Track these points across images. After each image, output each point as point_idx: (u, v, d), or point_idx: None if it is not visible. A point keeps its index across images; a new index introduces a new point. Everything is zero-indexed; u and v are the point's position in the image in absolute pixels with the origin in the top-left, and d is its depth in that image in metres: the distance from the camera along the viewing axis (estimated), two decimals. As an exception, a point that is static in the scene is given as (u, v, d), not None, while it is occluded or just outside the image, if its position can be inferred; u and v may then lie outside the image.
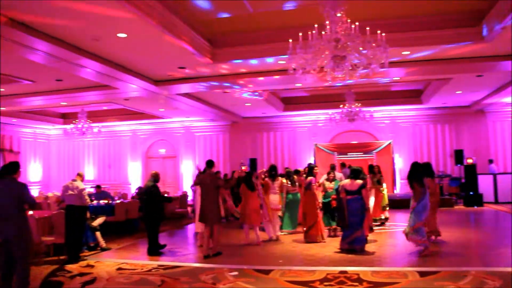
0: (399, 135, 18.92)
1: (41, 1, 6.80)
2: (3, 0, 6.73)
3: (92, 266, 7.99)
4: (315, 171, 10.63)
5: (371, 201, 11.92)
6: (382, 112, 18.47)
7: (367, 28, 6.93)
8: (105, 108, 18.23)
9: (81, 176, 9.14)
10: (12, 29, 7.56)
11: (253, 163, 18.98)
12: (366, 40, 6.96)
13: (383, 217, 12.13)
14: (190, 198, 17.30)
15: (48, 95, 13.70)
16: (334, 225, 10.37)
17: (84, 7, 7.12)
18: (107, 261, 8.37)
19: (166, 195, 12.45)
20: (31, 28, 7.91)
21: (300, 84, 13.58)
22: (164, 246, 9.36)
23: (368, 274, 6.81)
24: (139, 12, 7.25)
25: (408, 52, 10.15)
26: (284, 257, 8.44)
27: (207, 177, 9.03)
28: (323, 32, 6.97)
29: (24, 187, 6.33)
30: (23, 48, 8.62)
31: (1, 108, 15.89)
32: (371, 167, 12.47)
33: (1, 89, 12.61)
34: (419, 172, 8.84)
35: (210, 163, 9.13)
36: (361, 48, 6.98)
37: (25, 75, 11.43)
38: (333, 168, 12.16)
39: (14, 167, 6.41)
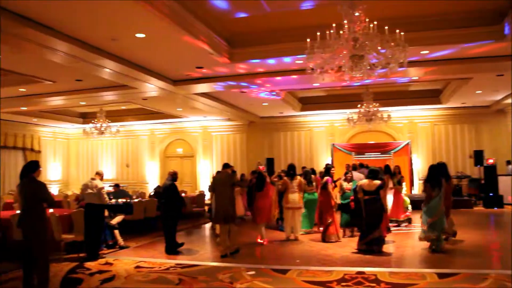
0: (417, 136, 18.74)
1: (61, 1, 6.88)
2: (23, 1, 6.83)
3: (111, 264, 8.09)
4: (332, 171, 10.60)
5: (389, 202, 11.84)
6: (400, 112, 18.29)
7: (386, 27, 6.87)
8: (123, 107, 18.39)
9: (100, 175, 9.24)
10: (33, 30, 7.67)
11: (270, 163, 18.97)
12: (385, 39, 6.91)
13: (403, 217, 11.98)
14: (207, 197, 17.42)
15: (68, 95, 13.87)
16: (351, 226, 10.34)
17: (103, 8, 7.19)
18: (126, 259, 8.46)
19: (183, 194, 12.53)
20: (51, 29, 8.01)
21: (317, 84, 13.53)
22: (182, 244, 9.42)
23: (385, 275, 6.77)
24: (157, 12, 7.30)
25: (427, 52, 10.04)
26: (302, 257, 8.44)
27: (221, 176, 9.09)
28: (341, 32, 6.94)
29: (42, 186, 6.42)
30: (44, 49, 8.74)
31: (23, 108, 16.18)
32: (387, 168, 12.36)
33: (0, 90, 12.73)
34: (435, 175, 8.89)
35: (226, 165, 9.35)
36: (379, 48, 6.93)
37: (46, 75, 11.58)
38: (354, 168, 12.15)
39: (33, 166, 6.51)
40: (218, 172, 9.32)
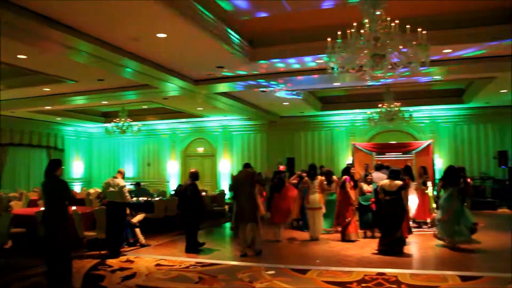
0: (440, 136, 18.48)
1: (84, 2, 6.98)
2: (45, 1, 6.95)
3: (132, 262, 8.18)
4: (351, 171, 10.55)
5: (414, 203, 11.75)
6: (422, 112, 18.07)
7: (407, 26, 6.80)
8: (145, 107, 18.54)
9: (121, 173, 9.36)
10: (57, 31, 7.80)
11: (290, 162, 18.94)
12: (406, 38, 6.83)
13: (428, 220, 11.84)
14: (227, 196, 17.49)
15: (90, 94, 14.06)
16: (372, 227, 10.28)
17: (125, 9, 7.26)
18: (146, 257, 8.55)
19: (203, 193, 12.60)
20: (75, 30, 8.13)
21: (338, 83, 13.46)
22: (203, 244, 9.47)
23: (406, 277, 6.72)
24: (178, 12, 7.35)
25: (450, 50, 9.90)
26: (322, 257, 8.42)
27: (242, 176, 9.11)
28: (362, 31, 6.89)
29: (63, 184, 6.54)
30: (67, 50, 8.88)
31: (47, 107, 16.47)
32: (408, 168, 12.24)
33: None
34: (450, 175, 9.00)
35: (247, 165, 9.45)
36: (401, 47, 6.86)
37: (69, 75, 11.76)
38: (376, 168, 12.06)
39: (55, 165, 6.62)
40: (239, 172, 9.34)
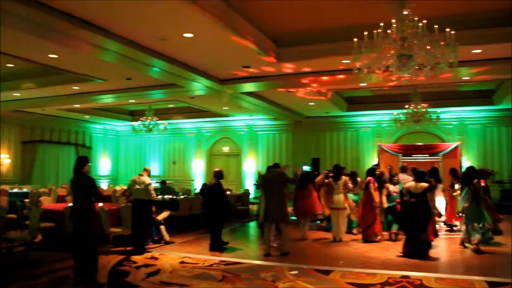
0: (468, 137, 18.13)
1: (113, 3, 7.11)
2: (75, 1, 7.10)
3: (156, 258, 8.29)
4: (377, 172, 10.48)
5: (442, 205, 11.60)
6: (450, 113, 17.77)
7: (435, 26, 6.71)
8: (171, 106, 18.74)
9: (147, 171, 9.48)
10: (87, 31, 7.96)
11: (315, 162, 18.88)
12: (434, 39, 6.75)
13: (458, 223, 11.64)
14: (252, 196, 17.57)
15: (118, 93, 14.29)
16: (395, 228, 10.17)
17: (152, 9, 7.36)
18: (171, 254, 8.65)
19: (228, 192, 12.67)
20: (104, 30, 8.29)
21: (364, 84, 13.36)
22: (227, 243, 9.52)
23: (431, 280, 6.64)
24: (205, 12, 7.41)
25: (479, 51, 9.71)
26: (345, 259, 8.38)
27: (272, 175, 9.14)
28: (388, 31, 6.84)
29: (90, 181, 6.66)
30: (96, 49, 9.05)
31: (75, 105, 16.79)
32: (434, 170, 12.07)
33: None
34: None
35: (276, 165, 9.56)
36: (428, 47, 6.78)
37: (98, 74, 11.98)
38: (402, 169, 11.96)
39: (82, 162, 6.76)
40: (268, 171, 9.40)
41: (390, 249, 9.18)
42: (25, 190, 15.50)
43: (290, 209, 9.88)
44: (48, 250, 9.09)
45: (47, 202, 11.84)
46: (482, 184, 9.36)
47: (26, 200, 11.78)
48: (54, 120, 19.88)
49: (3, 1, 6.52)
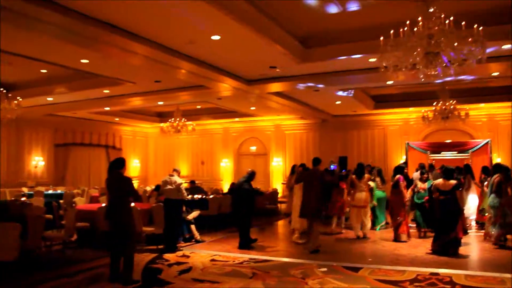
0: (498, 134, 17.80)
1: (142, 8, 7.32)
2: (105, 7, 7.35)
3: (188, 256, 8.46)
4: (405, 170, 10.49)
5: (474, 203, 11.49)
6: (479, 110, 17.49)
7: (463, 23, 6.68)
8: (198, 106, 18.97)
9: (178, 171, 9.68)
10: (118, 36, 8.21)
11: (343, 161, 18.84)
12: (461, 35, 6.72)
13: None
14: (280, 195, 17.67)
15: (147, 95, 14.57)
16: (425, 226, 10.16)
17: (180, 12, 7.54)
18: (201, 252, 8.82)
19: (261, 190, 12.87)
20: (133, 34, 8.52)
21: (391, 82, 13.28)
22: (255, 240, 9.66)
23: (461, 278, 6.62)
24: (232, 14, 7.54)
25: (510, 46, 9.57)
26: (374, 256, 8.41)
27: (312, 172, 9.27)
28: (415, 29, 6.84)
29: (128, 181, 6.88)
30: (126, 53, 9.30)
31: (106, 108, 17.19)
32: (467, 167, 11.94)
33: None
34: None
35: (317, 161, 9.41)
36: (455, 44, 6.75)
37: (127, 77, 12.26)
38: (430, 167, 11.92)
39: (121, 163, 6.98)
40: (307, 169, 9.62)
41: (419, 246, 9.16)
42: (59, 191, 15.96)
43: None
44: (83, 248, 9.38)
45: (80, 203, 12.17)
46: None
47: (61, 201, 12.14)
48: (85, 123, 20.38)
49: (37, 9, 6.80)
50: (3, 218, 7.39)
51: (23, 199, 11.92)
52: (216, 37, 8.85)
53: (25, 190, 15.98)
